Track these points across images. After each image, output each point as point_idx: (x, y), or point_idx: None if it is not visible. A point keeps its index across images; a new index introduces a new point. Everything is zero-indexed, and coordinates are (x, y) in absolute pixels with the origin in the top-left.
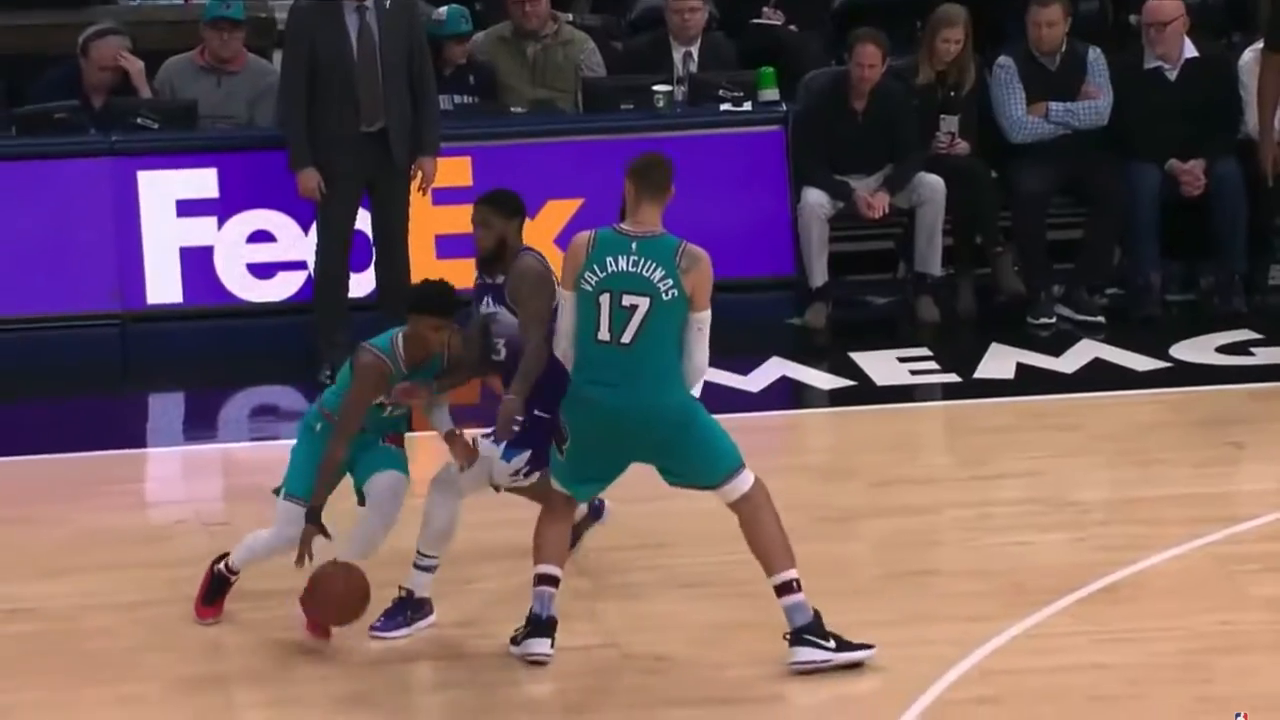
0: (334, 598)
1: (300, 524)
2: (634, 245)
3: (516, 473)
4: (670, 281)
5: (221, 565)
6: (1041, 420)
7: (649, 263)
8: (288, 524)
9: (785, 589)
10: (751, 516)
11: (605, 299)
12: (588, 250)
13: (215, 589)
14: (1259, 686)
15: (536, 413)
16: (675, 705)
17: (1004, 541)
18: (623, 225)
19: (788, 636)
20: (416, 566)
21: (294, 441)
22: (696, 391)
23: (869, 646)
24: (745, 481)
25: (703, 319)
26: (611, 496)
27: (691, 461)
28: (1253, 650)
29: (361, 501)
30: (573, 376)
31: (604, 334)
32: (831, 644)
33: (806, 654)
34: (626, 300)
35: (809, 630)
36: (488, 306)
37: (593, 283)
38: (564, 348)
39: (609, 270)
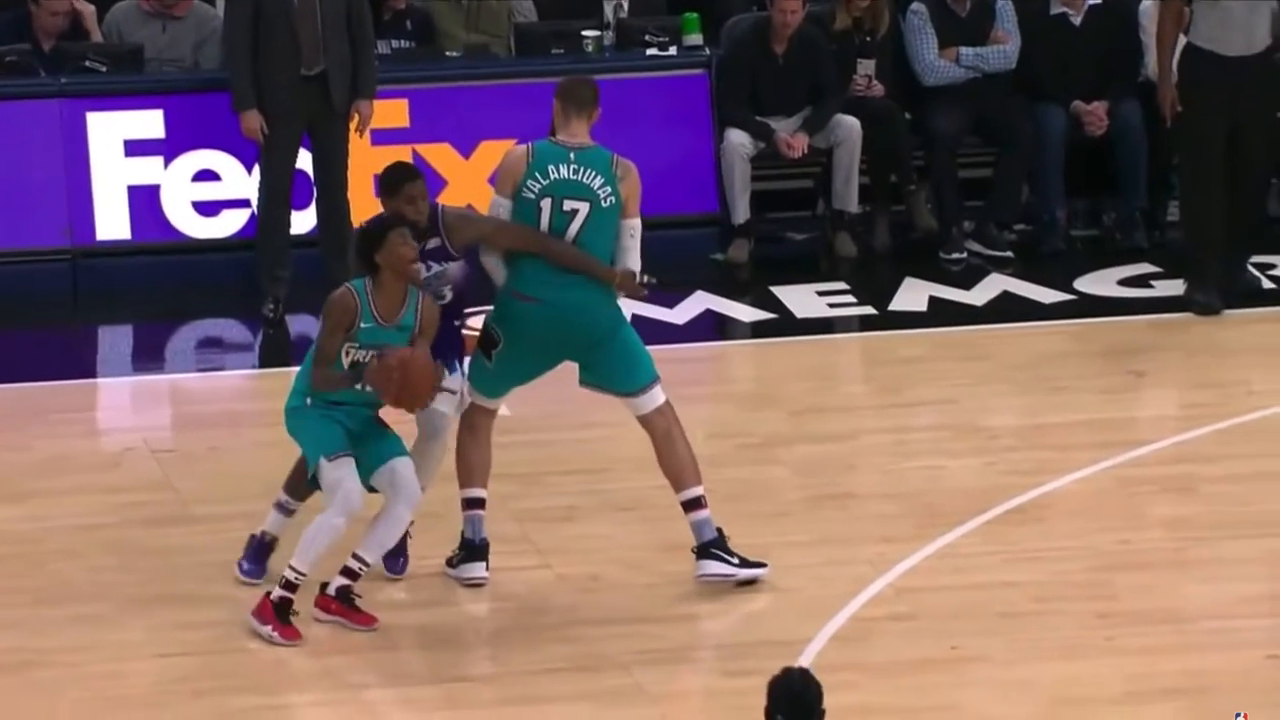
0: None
1: (342, 470)
2: (572, 155)
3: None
4: (609, 189)
5: (284, 585)
6: (953, 350)
7: (588, 170)
8: (336, 488)
9: (694, 505)
10: (665, 433)
11: (547, 204)
12: (527, 160)
13: (284, 610)
14: (1157, 602)
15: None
16: (607, 624)
17: (918, 466)
18: (558, 137)
19: (695, 550)
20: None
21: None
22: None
23: (764, 564)
24: (660, 395)
25: (634, 225)
26: (552, 425)
27: (615, 366)
28: (1151, 567)
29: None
30: (509, 283)
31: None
32: (736, 560)
33: (713, 567)
34: (568, 205)
35: (715, 545)
36: (429, 270)
37: (535, 190)
38: (494, 259)
39: (551, 178)
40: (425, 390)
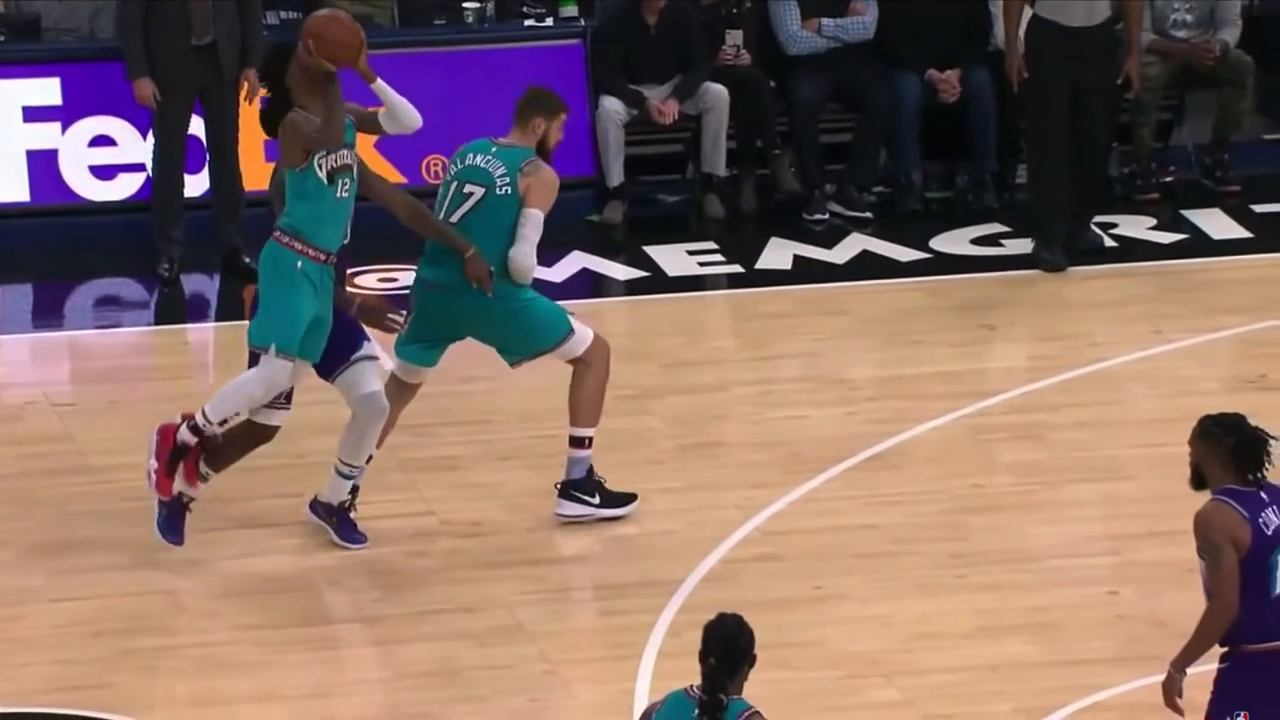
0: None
1: (288, 372)
2: (494, 150)
3: None
4: (508, 180)
5: (187, 425)
6: (816, 306)
7: (497, 163)
8: (276, 374)
9: (577, 443)
10: (579, 374)
11: (454, 186)
12: (461, 148)
13: (177, 455)
14: (1006, 542)
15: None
16: (489, 567)
17: (783, 416)
18: (501, 138)
19: (557, 487)
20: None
21: (260, 289)
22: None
23: (631, 499)
24: (580, 345)
25: (529, 214)
26: (436, 379)
27: (512, 334)
28: (1001, 510)
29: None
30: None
31: (441, 214)
32: (596, 499)
33: (570, 508)
34: (467, 188)
35: (575, 485)
36: None
37: (451, 172)
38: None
39: (464, 164)
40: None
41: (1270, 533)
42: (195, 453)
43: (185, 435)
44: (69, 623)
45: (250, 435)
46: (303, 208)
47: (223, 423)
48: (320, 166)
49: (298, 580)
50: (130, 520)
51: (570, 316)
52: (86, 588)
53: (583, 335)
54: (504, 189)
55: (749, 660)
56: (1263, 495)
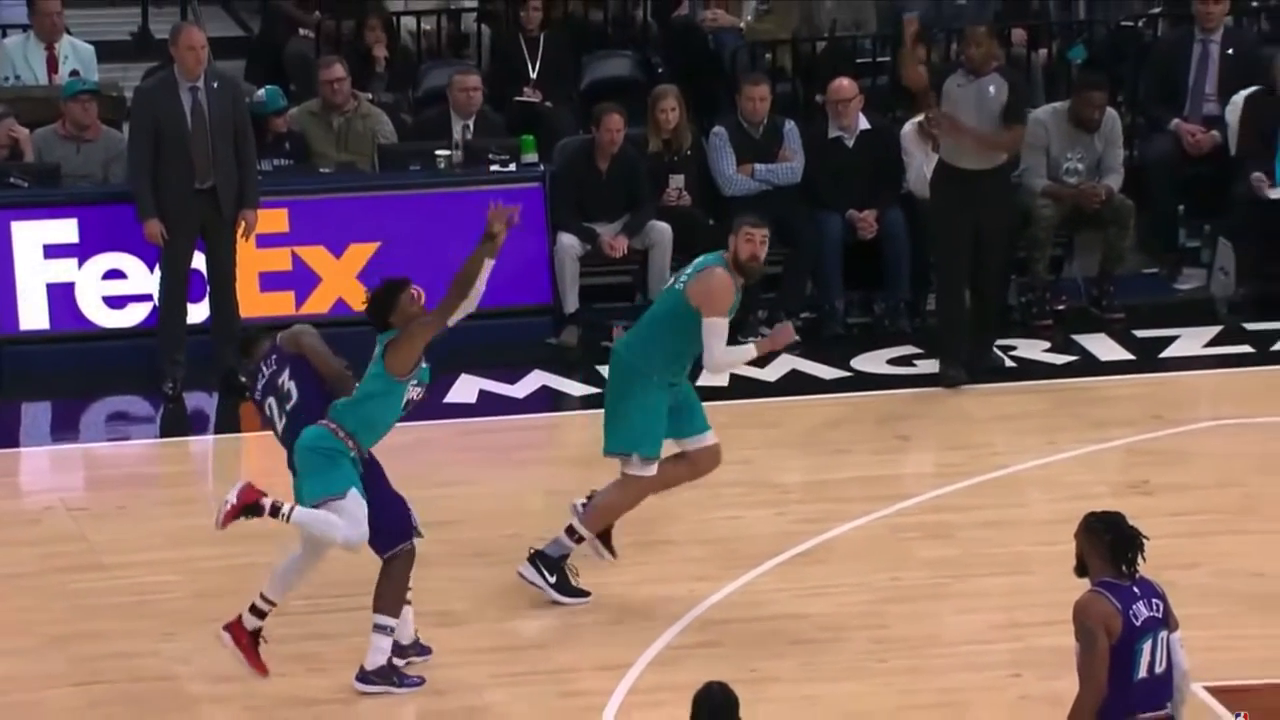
0: None
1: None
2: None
3: None
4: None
5: (253, 616)
6: (751, 419)
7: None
8: (355, 518)
9: (570, 532)
10: (620, 484)
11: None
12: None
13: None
14: (922, 630)
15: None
16: (459, 653)
17: (722, 516)
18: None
19: (532, 550)
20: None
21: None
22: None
23: (584, 595)
24: (632, 468)
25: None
26: (410, 484)
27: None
28: (917, 600)
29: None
30: None
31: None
32: (553, 580)
33: (530, 573)
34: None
35: (544, 560)
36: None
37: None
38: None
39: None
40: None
41: (1139, 623)
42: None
43: (251, 621)
44: (84, 705)
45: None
46: (373, 409)
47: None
48: (410, 391)
49: (283, 665)
50: (139, 613)
51: (644, 455)
52: (101, 673)
53: (644, 469)
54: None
55: None
56: (1135, 589)
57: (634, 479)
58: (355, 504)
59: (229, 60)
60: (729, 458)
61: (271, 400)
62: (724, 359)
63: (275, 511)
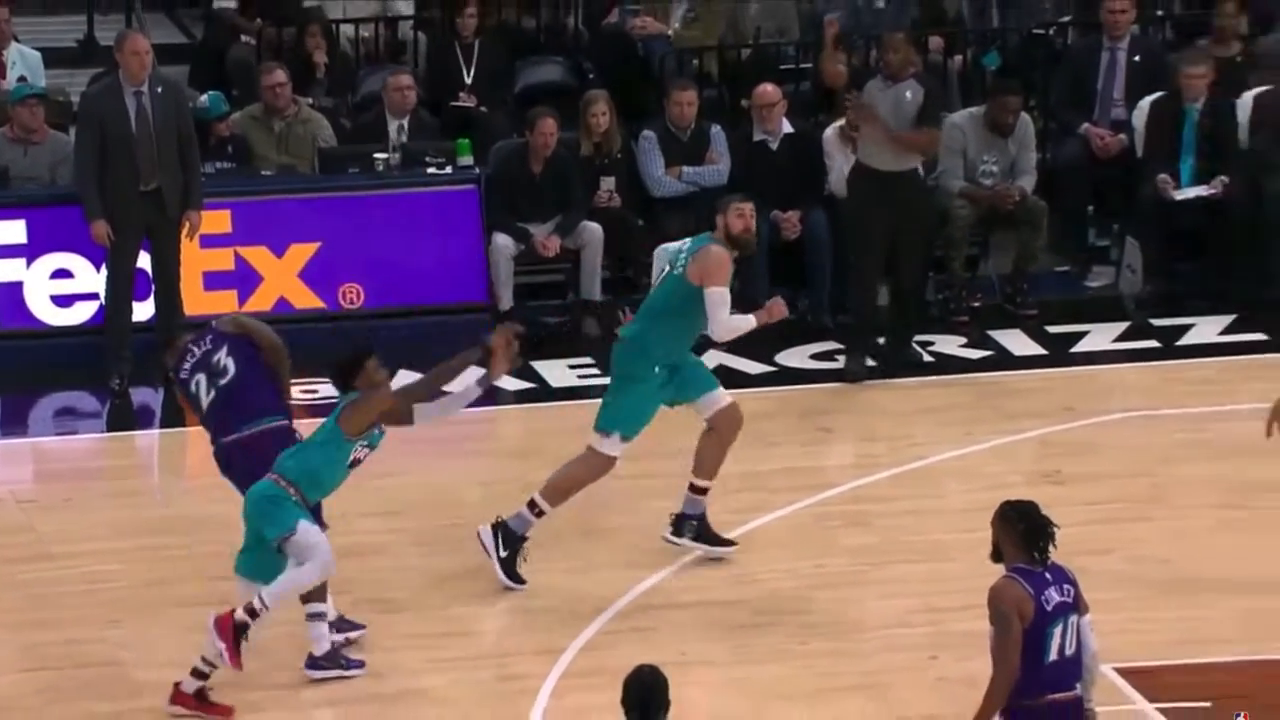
0: None
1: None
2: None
3: None
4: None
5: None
6: (681, 413)
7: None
8: (311, 546)
9: (532, 505)
10: (581, 459)
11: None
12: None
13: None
14: (845, 615)
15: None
16: (399, 638)
17: (658, 505)
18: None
19: (497, 519)
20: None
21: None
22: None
23: (520, 582)
24: (609, 449)
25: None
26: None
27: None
28: (840, 587)
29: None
30: None
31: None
32: (504, 554)
33: (487, 538)
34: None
35: (505, 532)
36: None
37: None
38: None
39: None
40: None
41: (1050, 608)
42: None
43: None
44: (33, 690)
45: None
46: (317, 458)
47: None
48: (356, 451)
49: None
50: (86, 601)
51: (624, 436)
52: (49, 660)
53: (613, 449)
54: (679, 268)
55: (665, 707)
56: (1047, 575)
57: (600, 455)
58: (307, 533)
59: (173, 66)
60: (661, 449)
61: (201, 376)
62: (729, 324)
63: (254, 613)
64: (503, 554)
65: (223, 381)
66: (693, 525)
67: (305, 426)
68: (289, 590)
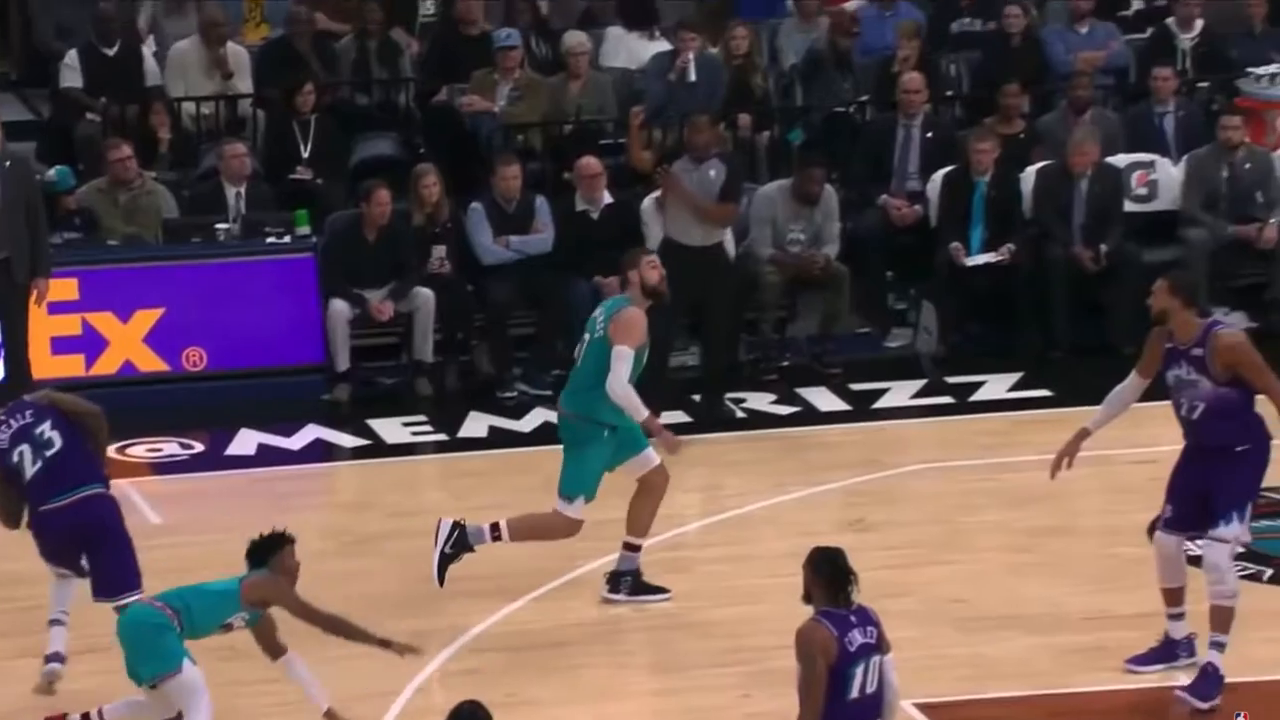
0: None
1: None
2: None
3: None
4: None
5: None
6: (509, 467)
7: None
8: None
9: (494, 527)
10: (536, 517)
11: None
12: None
13: None
14: (667, 653)
15: None
16: (240, 684)
17: (489, 552)
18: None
19: (462, 519)
20: None
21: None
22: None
23: (441, 583)
24: (571, 512)
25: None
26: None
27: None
28: (660, 629)
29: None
30: None
31: None
32: (449, 550)
33: (444, 530)
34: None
35: (459, 534)
36: None
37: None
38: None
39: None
40: None
41: (853, 649)
42: None
43: None
44: None
45: None
46: (205, 604)
47: None
48: (232, 623)
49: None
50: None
51: (587, 498)
52: None
53: (577, 513)
54: (599, 331)
55: None
56: (852, 618)
57: (566, 519)
58: (192, 676)
59: (21, 142)
60: (488, 502)
61: (25, 448)
62: (624, 388)
63: None
64: (447, 550)
65: (49, 453)
66: (627, 581)
67: (147, 484)
68: None
